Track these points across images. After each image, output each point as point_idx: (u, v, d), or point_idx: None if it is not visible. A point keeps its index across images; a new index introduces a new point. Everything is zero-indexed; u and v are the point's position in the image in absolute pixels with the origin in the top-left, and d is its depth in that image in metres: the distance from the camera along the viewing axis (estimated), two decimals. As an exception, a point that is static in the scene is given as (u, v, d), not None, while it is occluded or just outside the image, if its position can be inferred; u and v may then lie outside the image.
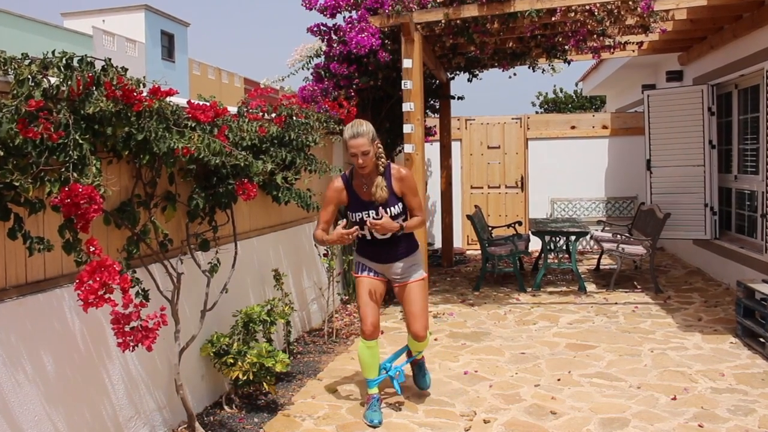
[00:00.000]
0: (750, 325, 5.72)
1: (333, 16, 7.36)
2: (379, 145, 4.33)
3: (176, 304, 3.94)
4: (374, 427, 4.31)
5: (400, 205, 4.38)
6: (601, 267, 9.72)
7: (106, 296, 2.82)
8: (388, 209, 4.32)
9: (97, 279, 2.80)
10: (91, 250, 2.90)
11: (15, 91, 2.77)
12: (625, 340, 6.05)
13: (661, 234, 8.14)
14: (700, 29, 8.39)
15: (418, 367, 4.87)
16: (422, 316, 4.54)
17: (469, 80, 9.49)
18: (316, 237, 4.41)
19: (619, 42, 8.19)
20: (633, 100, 13.53)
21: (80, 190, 2.76)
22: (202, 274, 4.25)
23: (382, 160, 4.33)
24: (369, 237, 4.43)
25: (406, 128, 6.45)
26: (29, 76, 2.83)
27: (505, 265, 8.85)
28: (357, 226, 4.35)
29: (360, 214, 4.35)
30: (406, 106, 6.42)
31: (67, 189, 2.77)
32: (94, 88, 3.09)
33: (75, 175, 2.87)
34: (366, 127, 4.24)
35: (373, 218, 4.31)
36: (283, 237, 6.10)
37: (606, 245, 8.66)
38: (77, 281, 2.81)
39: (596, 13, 6.53)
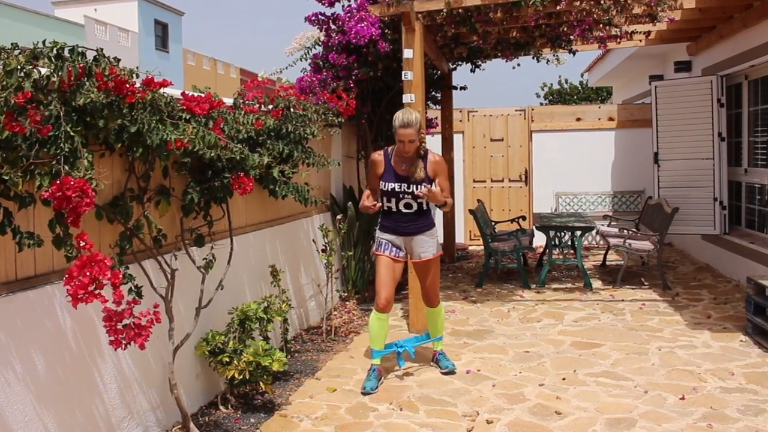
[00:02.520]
0: (760, 322, 5.72)
1: (332, 4, 7.34)
2: (423, 132, 5.06)
3: (170, 301, 3.93)
4: (365, 393, 4.83)
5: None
6: (608, 263, 9.71)
7: (96, 292, 2.82)
8: (420, 186, 4.94)
9: (87, 274, 2.79)
10: (81, 244, 2.89)
11: (4, 82, 2.76)
12: (631, 338, 6.05)
13: (669, 229, 8.13)
14: (709, 18, 8.36)
15: (440, 354, 5.42)
16: (435, 290, 5.27)
17: (472, 71, 9.47)
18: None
19: (626, 31, 8.17)
20: (640, 91, 13.50)
21: (72, 183, 2.76)
22: (197, 270, 4.25)
23: (424, 144, 5.06)
24: (394, 209, 5.06)
25: (407, 120, 6.43)
26: (18, 67, 2.82)
27: (508, 261, 8.85)
28: (378, 202, 5.02)
29: (392, 185, 4.99)
30: (407, 98, 6.40)
31: (58, 182, 2.76)
32: (86, 79, 3.08)
33: (66, 168, 2.86)
34: (416, 116, 4.89)
35: (424, 187, 4.89)
36: (281, 232, 6.09)
37: (612, 241, 8.66)
38: (67, 276, 2.80)
39: (602, 2, 6.50)
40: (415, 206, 5.05)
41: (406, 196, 5.00)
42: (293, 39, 8.25)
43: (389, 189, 5.01)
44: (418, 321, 6.26)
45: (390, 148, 5.13)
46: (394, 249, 5.11)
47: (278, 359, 4.55)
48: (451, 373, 5.23)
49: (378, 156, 5.12)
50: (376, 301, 5.05)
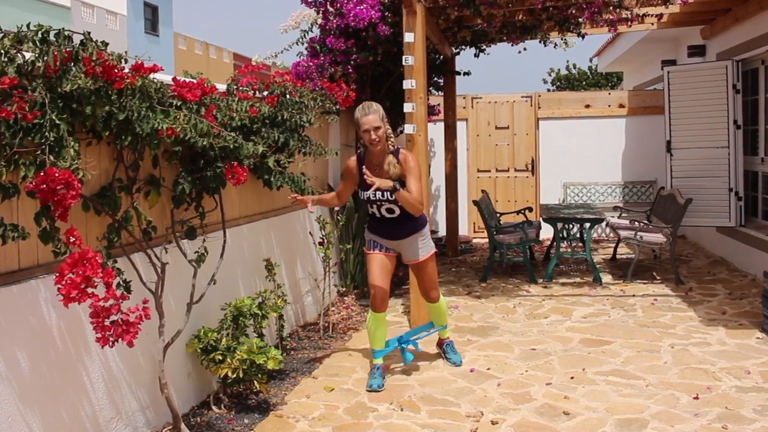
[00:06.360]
0: (777, 319, 5.73)
1: (329, -15, 7.31)
2: (388, 125, 4.99)
3: (160, 297, 3.93)
4: (372, 391, 4.88)
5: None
6: (618, 256, 9.72)
7: (89, 291, 2.81)
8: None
9: (79, 273, 2.78)
10: (71, 240, 2.88)
11: (-14, 67, 2.75)
12: (643, 335, 6.05)
13: (682, 221, 8.13)
14: (724, 0, 8.34)
15: (448, 345, 5.56)
16: (433, 286, 5.31)
17: (476, 55, 9.43)
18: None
19: (637, 14, 8.13)
20: (652, 76, 13.49)
21: (57, 174, 2.74)
22: (189, 264, 4.24)
23: (392, 140, 4.98)
24: (378, 215, 5.07)
25: (407, 107, 6.42)
26: (2, 51, 2.81)
27: (514, 255, 8.84)
28: (312, 198, 5.14)
29: (368, 193, 4.89)
30: (408, 84, 6.38)
31: (42, 174, 2.75)
32: (72, 64, 3.07)
33: (51, 157, 2.85)
34: (377, 106, 4.94)
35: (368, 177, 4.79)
36: (276, 224, 6.09)
37: (623, 233, 8.65)
38: (57, 275, 2.79)
39: (613, -17, 6.49)
40: (397, 210, 4.98)
41: (384, 202, 4.96)
42: (289, 16, 8.23)
43: (366, 197, 4.96)
44: (420, 317, 6.26)
45: (362, 153, 5.11)
46: (383, 248, 5.16)
47: (273, 357, 4.55)
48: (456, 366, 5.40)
49: (352, 161, 5.10)
50: (371, 300, 5.10)
